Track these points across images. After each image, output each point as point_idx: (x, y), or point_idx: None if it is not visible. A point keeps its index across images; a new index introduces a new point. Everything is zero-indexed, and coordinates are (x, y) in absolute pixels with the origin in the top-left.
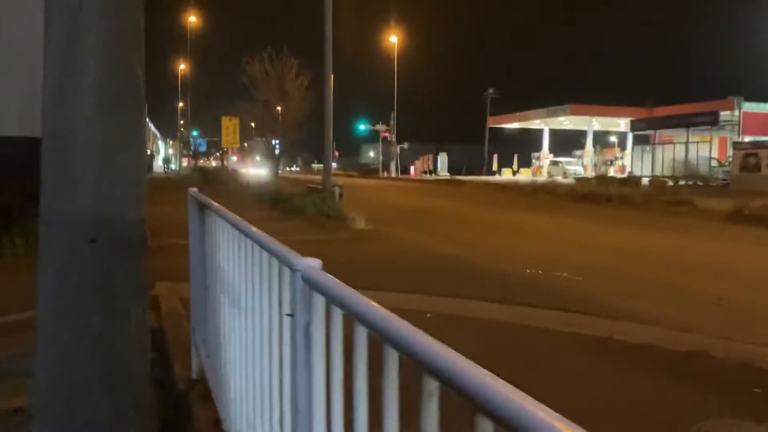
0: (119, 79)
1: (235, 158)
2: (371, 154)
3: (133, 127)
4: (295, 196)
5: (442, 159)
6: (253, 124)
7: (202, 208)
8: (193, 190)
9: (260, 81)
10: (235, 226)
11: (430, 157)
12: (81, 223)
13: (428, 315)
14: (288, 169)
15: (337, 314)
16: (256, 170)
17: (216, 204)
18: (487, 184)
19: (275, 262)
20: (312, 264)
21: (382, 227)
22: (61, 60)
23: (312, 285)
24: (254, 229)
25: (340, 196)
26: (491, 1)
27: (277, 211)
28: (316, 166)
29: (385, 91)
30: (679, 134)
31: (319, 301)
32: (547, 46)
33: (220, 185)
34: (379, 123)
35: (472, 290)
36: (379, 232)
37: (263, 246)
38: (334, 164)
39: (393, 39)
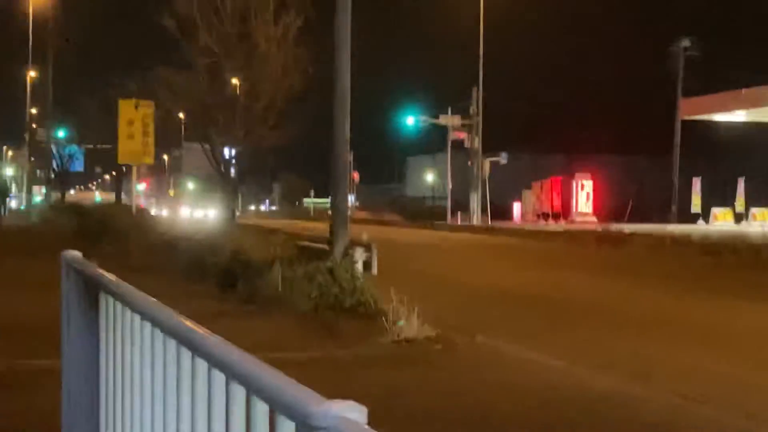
0: None
1: (142, 186)
2: (428, 178)
3: None
4: (271, 265)
5: (582, 190)
6: (181, 116)
7: (93, 292)
8: (72, 254)
9: (201, 23)
10: (174, 333)
11: (553, 183)
12: None
13: None
14: (253, 208)
15: None
16: (188, 210)
17: (123, 283)
18: (680, 241)
19: (260, 409)
20: (350, 415)
21: (455, 333)
22: None
23: None
24: (209, 336)
25: (367, 265)
26: None
27: (233, 297)
28: (311, 201)
29: (454, 59)
30: None
31: None
32: None
33: (117, 242)
34: (446, 113)
35: None
36: (448, 343)
37: (233, 373)
38: (351, 198)
39: None
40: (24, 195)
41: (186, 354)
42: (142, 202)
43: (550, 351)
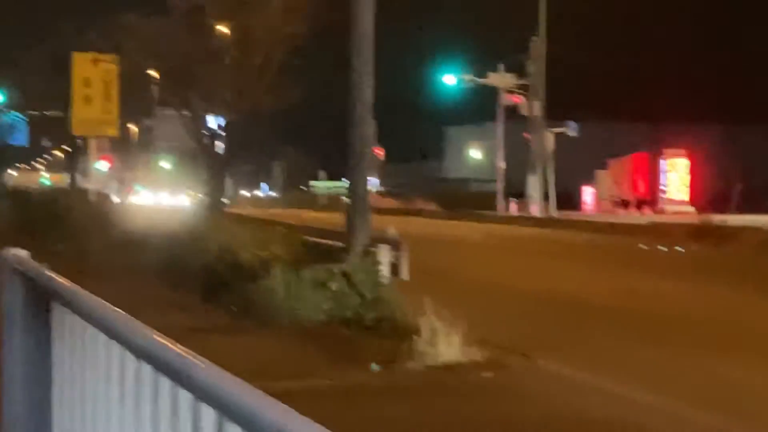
0: None
1: (103, 165)
2: (473, 155)
3: None
4: (269, 267)
5: (674, 171)
6: (155, 74)
7: (43, 300)
8: (16, 254)
9: None
10: (148, 355)
11: (635, 162)
12: None
13: None
14: (247, 194)
15: None
16: (161, 198)
17: (81, 291)
18: None
19: None
20: None
21: (509, 355)
22: None
23: None
24: (194, 359)
25: (395, 268)
26: None
27: (220, 308)
28: (321, 185)
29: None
30: None
31: None
32: None
33: (73, 238)
34: (495, 70)
35: None
36: (500, 369)
37: (226, 409)
38: (374, 181)
39: None
40: None
41: (165, 383)
42: (104, 189)
43: (633, 379)
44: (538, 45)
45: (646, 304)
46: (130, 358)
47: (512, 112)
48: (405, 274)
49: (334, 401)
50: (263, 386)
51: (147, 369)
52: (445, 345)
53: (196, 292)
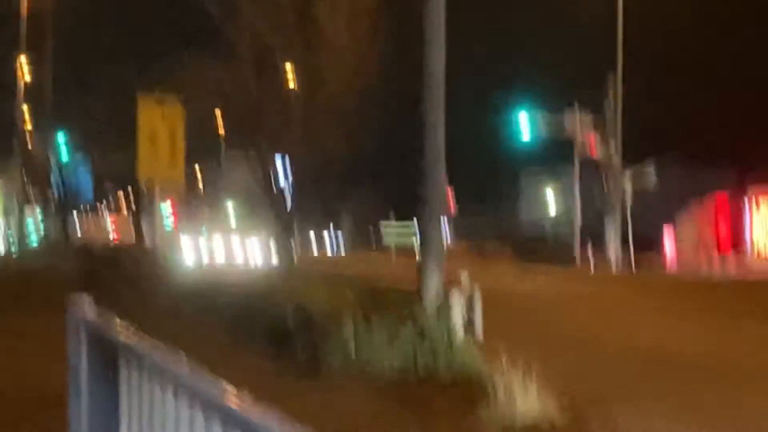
0: None
1: (168, 209)
2: (548, 196)
3: None
4: (339, 323)
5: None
6: (218, 114)
7: (110, 353)
8: (81, 302)
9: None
10: (222, 412)
11: (719, 203)
12: None
13: None
14: (315, 246)
15: None
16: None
17: (150, 341)
18: None
19: None
20: None
21: (591, 416)
22: None
23: None
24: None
25: (470, 323)
26: None
27: (289, 365)
28: (392, 229)
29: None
30: None
31: None
32: None
33: (139, 295)
34: (572, 107)
35: None
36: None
37: None
38: (445, 226)
39: None
40: (10, 228)
41: None
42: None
43: None
44: (614, 81)
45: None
46: (198, 415)
47: (588, 159)
48: (479, 331)
49: None
50: None
51: (217, 427)
52: (530, 410)
53: (264, 349)
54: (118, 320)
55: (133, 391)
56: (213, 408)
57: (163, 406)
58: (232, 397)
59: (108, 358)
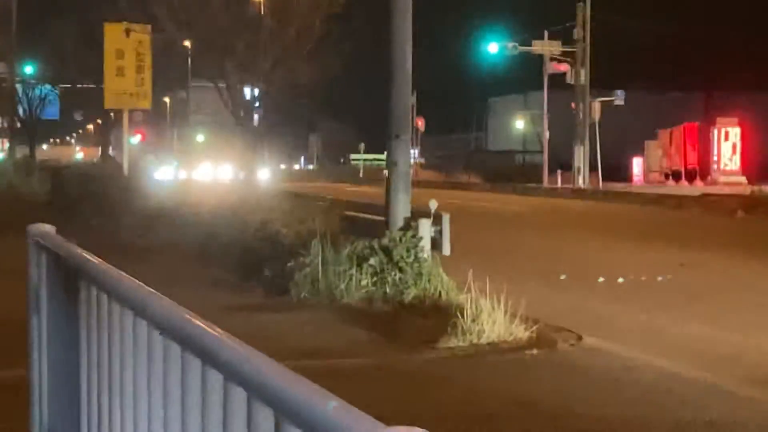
0: None
1: (136, 139)
2: (517, 126)
3: None
4: (307, 244)
5: (724, 137)
6: (187, 44)
7: (71, 277)
8: (42, 229)
9: None
10: (177, 334)
11: (686, 131)
12: None
13: None
14: (283, 167)
15: None
16: (199, 172)
17: (110, 267)
18: None
19: None
20: None
21: (555, 333)
22: None
23: None
24: (226, 339)
25: (436, 243)
26: None
27: (257, 286)
28: (360, 158)
29: None
30: None
31: None
32: None
33: (107, 214)
34: (540, 38)
35: None
36: (545, 346)
37: (257, 391)
38: (414, 153)
39: None
40: None
41: (195, 363)
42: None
43: (688, 359)
44: (584, 10)
45: (697, 278)
46: (157, 338)
47: (557, 81)
48: (446, 248)
49: (373, 380)
50: (297, 365)
51: (175, 348)
52: (492, 321)
53: (232, 269)
54: (75, 244)
55: (92, 313)
56: (168, 331)
57: (121, 329)
58: (188, 319)
59: (68, 280)
